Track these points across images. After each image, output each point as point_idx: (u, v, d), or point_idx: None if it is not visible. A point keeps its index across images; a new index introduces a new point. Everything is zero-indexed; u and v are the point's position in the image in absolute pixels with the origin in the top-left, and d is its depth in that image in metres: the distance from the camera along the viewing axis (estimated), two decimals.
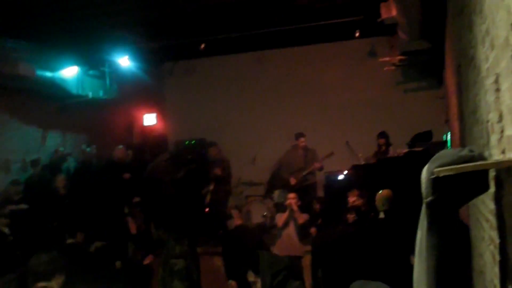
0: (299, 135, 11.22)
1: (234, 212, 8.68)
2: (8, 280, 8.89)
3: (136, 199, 9.55)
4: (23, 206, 9.48)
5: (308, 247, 9.19)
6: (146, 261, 8.83)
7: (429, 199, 2.39)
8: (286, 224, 8.94)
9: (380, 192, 7.18)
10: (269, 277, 4.51)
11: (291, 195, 9.20)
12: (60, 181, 10.01)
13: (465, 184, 2.37)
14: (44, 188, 10.01)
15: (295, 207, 8.89)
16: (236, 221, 8.40)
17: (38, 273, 4.31)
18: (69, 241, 8.08)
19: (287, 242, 8.85)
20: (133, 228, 8.67)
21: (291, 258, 8.50)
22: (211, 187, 10.93)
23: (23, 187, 9.95)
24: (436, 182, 2.32)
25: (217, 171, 11.12)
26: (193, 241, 8.85)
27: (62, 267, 4.53)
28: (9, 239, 8.82)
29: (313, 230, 9.41)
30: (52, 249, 7.00)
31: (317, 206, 9.82)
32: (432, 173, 2.31)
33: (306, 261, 8.92)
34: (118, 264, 8.44)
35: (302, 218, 8.98)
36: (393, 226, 6.70)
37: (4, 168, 10.29)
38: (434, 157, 2.45)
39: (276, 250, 8.69)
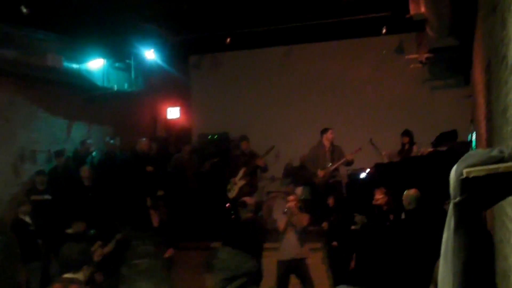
0: (325, 130, 11.04)
1: (248, 201, 8.61)
2: (33, 268, 9.07)
3: (160, 193, 9.57)
4: (47, 196, 9.59)
5: (313, 245, 9.22)
6: (167, 254, 8.85)
7: (457, 199, 2.35)
8: (286, 228, 8.81)
9: (408, 190, 7.16)
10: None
11: (291, 197, 9.11)
12: (85, 172, 10.11)
13: (494, 185, 2.32)
14: (67, 179, 10.12)
15: (295, 211, 8.79)
16: (247, 213, 8.35)
17: (67, 263, 4.34)
18: (69, 231, 8.10)
19: (288, 246, 8.74)
20: (155, 221, 8.68)
21: (295, 260, 8.51)
22: (242, 181, 10.84)
23: (48, 178, 10.07)
24: (465, 182, 2.27)
25: (260, 162, 11.07)
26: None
27: (90, 259, 4.56)
28: (31, 228, 8.95)
29: (325, 224, 9.41)
30: (82, 240, 7.11)
31: (330, 201, 9.78)
32: (461, 174, 2.26)
33: (313, 259, 8.93)
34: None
35: (305, 220, 8.86)
36: (415, 227, 6.66)
37: (30, 158, 10.40)
38: (463, 157, 2.40)
39: (279, 254, 8.65)
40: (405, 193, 7.12)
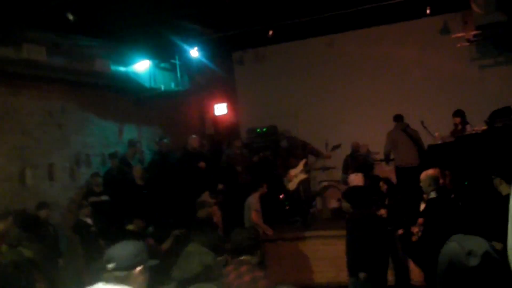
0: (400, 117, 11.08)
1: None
2: (95, 269, 9.24)
3: (220, 186, 9.64)
4: (104, 197, 9.81)
5: None
6: None
7: None
8: None
9: (426, 172, 6.97)
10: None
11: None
12: (137, 172, 10.29)
13: None
14: (122, 180, 10.31)
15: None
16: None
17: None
18: (129, 227, 8.25)
19: None
20: (217, 216, 8.75)
21: None
22: (303, 175, 10.84)
23: (103, 180, 10.29)
24: None
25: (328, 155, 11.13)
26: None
27: (146, 258, 4.65)
28: (92, 229, 9.17)
29: (383, 211, 9.30)
30: (138, 239, 7.24)
31: (384, 187, 9.67)
32: None
33: None
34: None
35: None
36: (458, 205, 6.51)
37: (85, 162, 10.64)
38: None
39: None
40: (423, 174, 6.91)
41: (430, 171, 7.01)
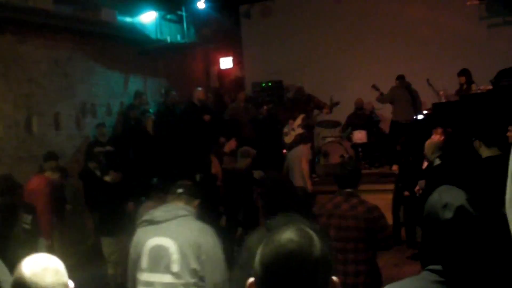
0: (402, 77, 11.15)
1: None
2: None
3: (222, 140, 9.70)
4: (110, 148, 9.90)
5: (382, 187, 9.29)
6: None
7: None
8: None
9: (430, 139, 7.08)
10: None
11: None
12: (150, 123, 10.36)
13: None
14: (129, 131, 10.39)
15: None
16: None
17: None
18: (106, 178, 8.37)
19: None
20: (216, 168, 8.82)
21: None
22: (300, 130, 10.86)
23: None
24: None
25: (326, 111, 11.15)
26: None
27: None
28: (98, 179, 9.29)
29: (395, 167, 9.40)
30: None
31: (398, 148, 9.75)
32: None
33: (383, 201, 9.01)
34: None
35: None
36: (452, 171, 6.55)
37: (91, 112, 10.71)
38: None
39: None
40: (427, 142, 7.00)
41: (434, 139, 7.17)
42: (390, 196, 9.39)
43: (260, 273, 1.43)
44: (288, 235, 1.43)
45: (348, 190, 4.59)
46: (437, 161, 6.68)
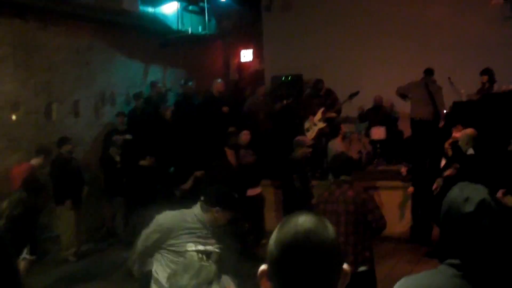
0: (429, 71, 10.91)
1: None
2: (117, 202, 9.57)
3: (232, 129, 9.71)
4: (128, 136, 9.96)
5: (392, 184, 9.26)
6: (254, 192, 9.03)
7: None
8: None
9: (465, 130, 7.17)
10: None
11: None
12: (168, 111, 10.39)
13: None
14: (146, 120, 10.42)
15: None
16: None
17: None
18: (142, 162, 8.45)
19: None
20: (232, 158, 8.80)
21: None
22: (322, 124, 10.77)
23: (127, 119, 10.42)
24: None
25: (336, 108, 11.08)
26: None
27: None
28: (118, 166, 9.40)
29: (403, 170, 9.34)
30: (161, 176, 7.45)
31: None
32: None
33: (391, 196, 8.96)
34: None
35: None
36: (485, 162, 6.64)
37: (110, 100, 10.76)
38: None
39: None
40: (462, 133, 7.13)
41: (469, 130, 7.37)
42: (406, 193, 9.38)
43: (276, 254, 1.40)
44: (304, 217, 1.44)
45: (342, 178, 5.03)
46: (471, 151, 6.80)
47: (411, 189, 8.96)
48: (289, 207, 8.16)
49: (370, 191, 9.40)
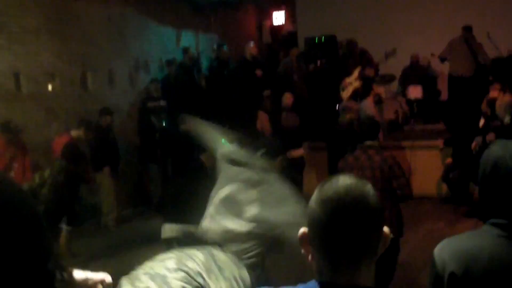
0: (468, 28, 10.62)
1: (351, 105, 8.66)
2: (152, 169, 9.70)
3: (267, 93, 9.64)
4: (162, 102, 10.01)
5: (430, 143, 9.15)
6: (296, 154, 8.94)
7: None
8: None
9: (502, 97, 6.97)
10: None
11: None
12: (202, 78, 10.40)
13: None
14: (180, 86, 10.44)
15: None
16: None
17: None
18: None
19: None
20: (265, 121, 8.75)
21: None
22: (357, 83, 10.59)
23: (161, 85, 10.45)
24: None
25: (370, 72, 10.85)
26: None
27: None
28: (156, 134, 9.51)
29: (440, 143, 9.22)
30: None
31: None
32: None
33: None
34: None
35: None
36: None
37: (144, 68, 10.79)
38: None
39: None
40: (498, 101, 6.90)
41: (506, 98, 7.15)
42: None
43: (317, 213, 1.38)
44: (343, 177, 1.44)
45: (368, 143, 4.98)
46: (507, 119, 6.65)
47: (449, 160, 8.79)
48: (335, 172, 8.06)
49: (406, 151, 9.37)
